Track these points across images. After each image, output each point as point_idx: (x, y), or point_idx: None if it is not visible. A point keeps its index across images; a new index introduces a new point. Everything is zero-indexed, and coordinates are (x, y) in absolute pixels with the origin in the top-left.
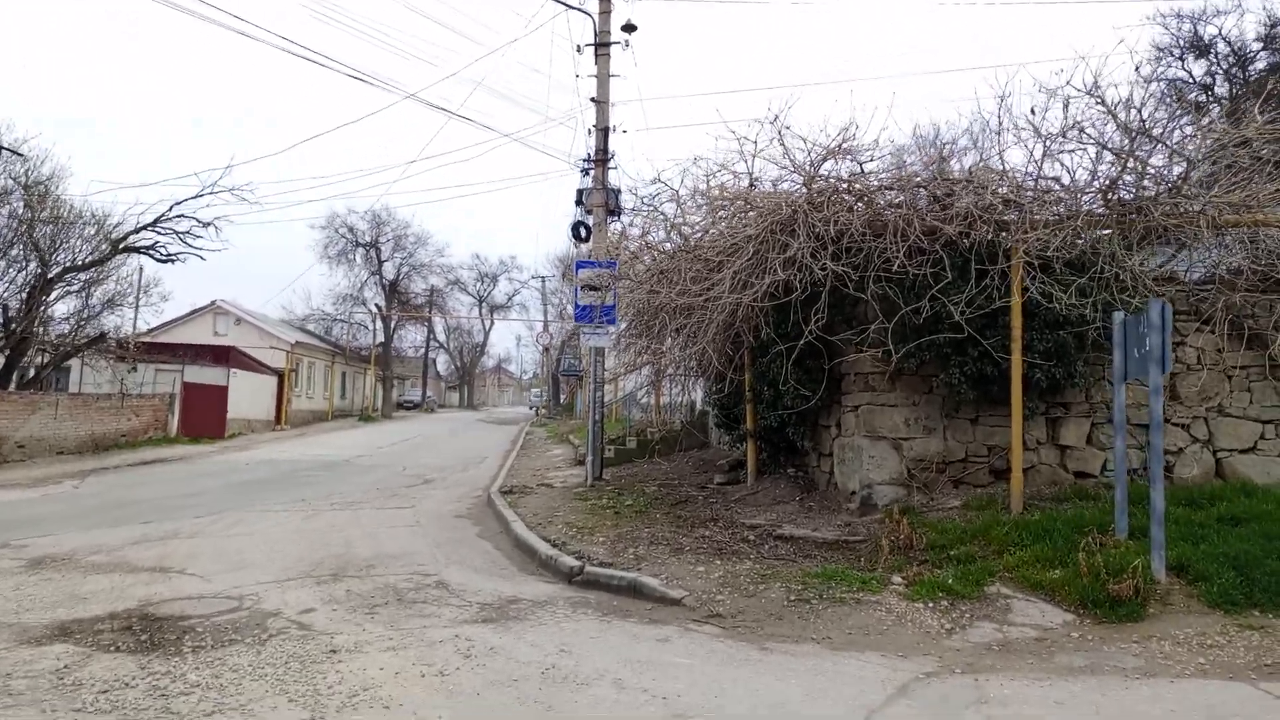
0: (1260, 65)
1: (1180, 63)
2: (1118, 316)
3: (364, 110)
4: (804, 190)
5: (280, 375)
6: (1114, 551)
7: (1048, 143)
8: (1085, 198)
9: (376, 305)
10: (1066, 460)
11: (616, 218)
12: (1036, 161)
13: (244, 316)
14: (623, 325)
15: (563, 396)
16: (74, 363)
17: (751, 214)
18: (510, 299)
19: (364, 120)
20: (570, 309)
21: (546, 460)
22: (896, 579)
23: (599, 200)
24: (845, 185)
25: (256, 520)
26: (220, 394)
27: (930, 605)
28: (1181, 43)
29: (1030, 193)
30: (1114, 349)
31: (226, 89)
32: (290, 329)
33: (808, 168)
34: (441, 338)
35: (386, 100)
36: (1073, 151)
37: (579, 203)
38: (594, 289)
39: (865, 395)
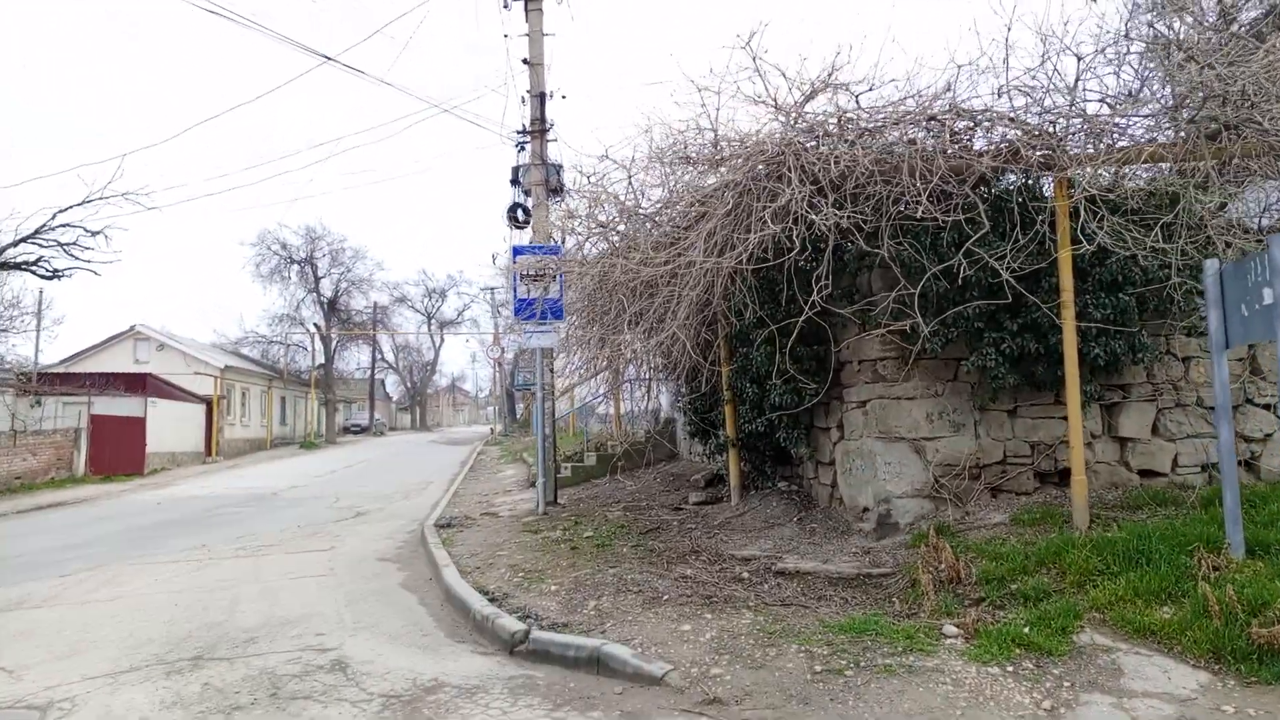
0: None
1: None
2: (1211, 265)
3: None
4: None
5: (209, 403)
6: (1238, 577)
7: (1085, 57)
8: (1148, 119)
9: (315, 325)
10: (1128, 456)
11: (559, 198)
12: (1068, 84)
13: (167, 341)
14: (572, 319)
15: (519, 412)
16: None
17: (722, 169)
18: (460, 314)
19: (266, 97)
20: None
21: (495, 483)
22: (950, 628)
23: (538, 178)
24: (837, 126)
25: (134, 576)
26: (137, 426)
27: (1010, 669)
28: None
29: (1078, 119)
30: (1208, 308)
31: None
32: (221, 353)
33: (791, 106)
34: (390, 357)
35: (299, 67)
36: (1117, 70)
37: (515, 182)
38: (536, 278)
39: (875, 387)
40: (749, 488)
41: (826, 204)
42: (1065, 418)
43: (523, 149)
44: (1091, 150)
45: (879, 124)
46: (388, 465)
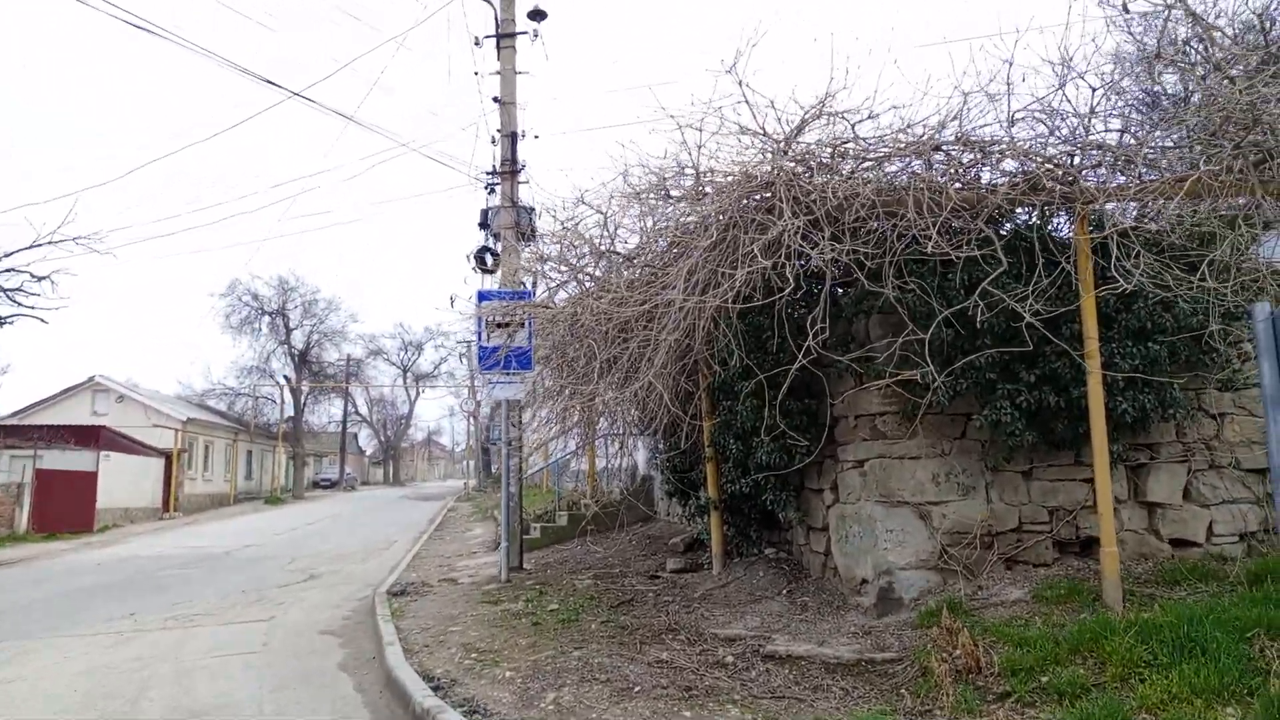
0: None
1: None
2: (1261, 309)
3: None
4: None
5: (169, 457)
6: None
7: (1098, 89)
8: (1179, 150)
9: (285, 377)
10: (1158, 524)
11: (529, 243)
12: (1080, 113)
13: (127, 393)
14: (541, 369)
15: (494, 467)
16: None
17: (706, 202)
18: (437, 367)
19: (226, 134)
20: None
21: (461, 544)
22: None
23: (508, 221)
24: (831, 158)
25: (39, 654)
26: (88, 480)
27: None
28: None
29: (1096, 150)
30: (1259, 357)
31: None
32: (185, 405)
33: (781, 137)
34: (364, 410)
35: (266, 101)
36: (1124, 109)
37: (484, 225)
38: (502, 325)
39: (874, 445)
40: (732, 554)
41: (823, 237)
42: (1087, 480)
43: (493, 190)
44: (1117, 183)
45: (880, 156)
46: (353, 522)
